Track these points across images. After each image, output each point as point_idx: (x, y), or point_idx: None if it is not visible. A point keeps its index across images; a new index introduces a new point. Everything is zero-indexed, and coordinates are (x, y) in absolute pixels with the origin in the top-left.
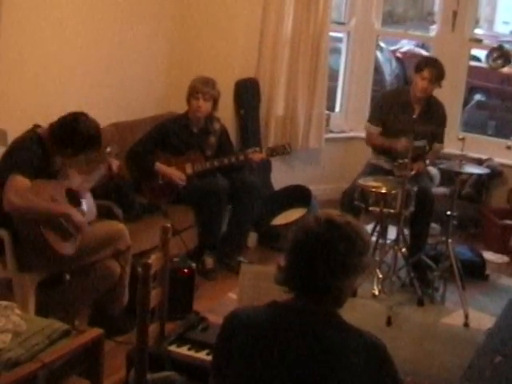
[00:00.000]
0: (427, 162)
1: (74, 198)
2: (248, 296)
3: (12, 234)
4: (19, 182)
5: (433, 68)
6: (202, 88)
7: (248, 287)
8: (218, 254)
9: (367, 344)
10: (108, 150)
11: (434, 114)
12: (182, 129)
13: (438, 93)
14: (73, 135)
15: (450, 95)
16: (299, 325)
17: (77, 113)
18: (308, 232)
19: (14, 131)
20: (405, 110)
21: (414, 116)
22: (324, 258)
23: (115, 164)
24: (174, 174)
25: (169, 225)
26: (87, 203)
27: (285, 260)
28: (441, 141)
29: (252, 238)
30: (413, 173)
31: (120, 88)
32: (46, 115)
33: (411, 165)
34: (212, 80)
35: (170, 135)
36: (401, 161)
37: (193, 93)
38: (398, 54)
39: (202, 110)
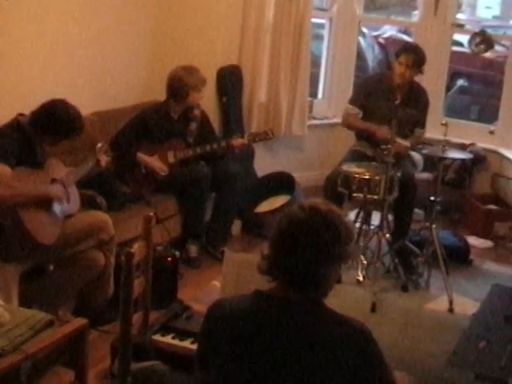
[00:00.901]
0: (407, 143)
1: None
2: (231, 284)
3: None
4: (1, 172)
5: (410, 54)
6: (204, 81)
7: (232, 275)
8: (202, 243)
9: (352, 330)
10: (99, 145)
11: (416, 99)
12: (162, 117)
13: (420, 78)
14: (53, 121)
15: (433, 80)
16: (283, 314)
17: (57, 99)
18: (292, 220)
19: None
20: (387, 96)
21: (397, 102)
22: (308, 247)
23: (104, 160)
24: (156, 164)
25: (152, 213)
26: (72, 195)
27: (268, 248)
28: (422, 126)
29: (236, 226)
30: (393, 151)
31: (102, 76)
32: (29, 104)
33: (393, 148)
34: (196, 67)
35: (150, 124)
36: (383, 146)
37: (195, 88)
38: (381, 40)
39: (202, 100)
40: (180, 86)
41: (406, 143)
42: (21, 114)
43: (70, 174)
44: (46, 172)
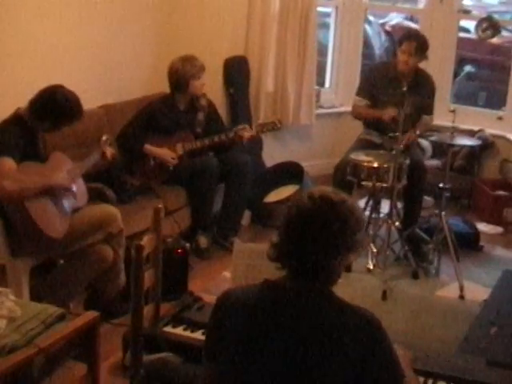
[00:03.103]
0: (417, 132)
1: None
2: (242, 275)
3: (4, 219)
4: (6, 166)
5: (412, 41)
6: (201, 68)
7: (241, 266)
8: (212, 234)
9: (361, 321)
10: (104, 138)
11: (422, 86)
12: (169, 109)
13: (427, 65)
14: (50, 106)
15: (440, 67)
16: (291, 304)
17: (54, 85)
18: (301, 209)
19: (1, 116)
20: (393, 84)
21: (403, 89)
22: (316, 236)
23: (110, 152)
24: (164, 153)
25: (161, 205)
26: (78, 189)
27: (277, 236)
28: (430, 112)
29: (245, 216)
30: (403, 143)
31: (108, 70)
32: None
33: (401, 136)
34: (192, 55)
35: (157, 116)
36: (391, 134)
37: (193, 76)
38: (387, 28)
39: (209, 91)
40: (178, 76)
41: (414, 134)
42: (19, 108)
43: (75, 168)
44: (51, 165)
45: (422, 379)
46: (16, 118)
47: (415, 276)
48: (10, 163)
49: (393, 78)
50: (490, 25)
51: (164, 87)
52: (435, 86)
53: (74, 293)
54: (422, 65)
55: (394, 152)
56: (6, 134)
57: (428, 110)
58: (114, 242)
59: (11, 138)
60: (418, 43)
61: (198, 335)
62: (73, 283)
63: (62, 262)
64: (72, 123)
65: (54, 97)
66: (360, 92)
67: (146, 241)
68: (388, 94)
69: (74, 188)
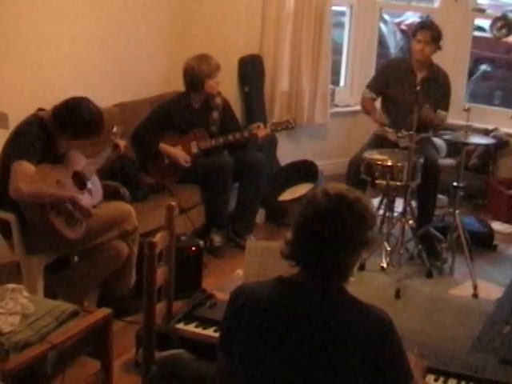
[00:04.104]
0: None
1: (80, 181)
2: (254, 272)
3: (19, 217)
4: (25, 169)
5: (426, 30)
6: (216, 67)
7: (254, 263)
8: (227, 232)
9: (372, 318)
10: (114, 130)
11: (437, 82)
12: (184, 107)
13: (443, 63)
14: (74, 118)
15: (455, 66)
16: (304, 300)
17: (79, 97)
18: (317, 207)
19: (16, 114)
20: (407, 78)
21: (418, 88)
22: (333, 234)
23: (122, 144)
24: (179, 154)
25: (174, 203)
26: (94, 185)
27: (291, 234)
28: (446, 109)
29: (259, 215)
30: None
31: (123, 68)
32: (48, 97)
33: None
34: (207, 55)
35: (172, 115)
36: (405, 132)
37: (209, 75)
38: (403, 27)
39: (224, 90)
40: (194, 76)
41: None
42: (41, 109)
43: (90, 165)
44: (67, 165)
45: (433, 377)
46: (37, 121)
47: (429, 275)
48: (27, 166)
49: (407, 72)
50: (505, 23)
51: (179, 86)
52: (450, 83)
53: (89, 290)
54: (438, 62)
55: (406, 148)
56: (26, 137)
57: (443, 106)
58: (129, 240)
59: (29, 140)
60: (432, 32)
61: (210, 332)
62: (89, 280)
63: (76, 258)
64: (91, 138)
65: (79, 109)
66: (369, 85)
67: (158, 238)
68: (401, 92)
69: (90, 185)
